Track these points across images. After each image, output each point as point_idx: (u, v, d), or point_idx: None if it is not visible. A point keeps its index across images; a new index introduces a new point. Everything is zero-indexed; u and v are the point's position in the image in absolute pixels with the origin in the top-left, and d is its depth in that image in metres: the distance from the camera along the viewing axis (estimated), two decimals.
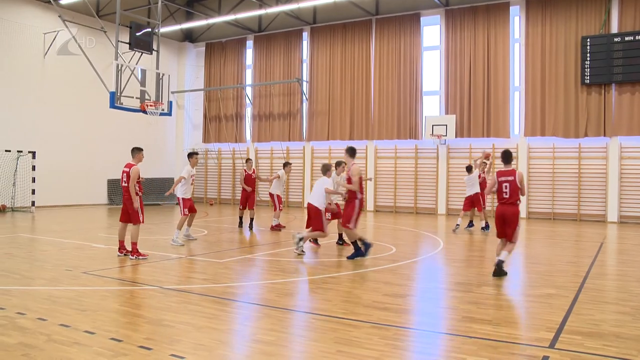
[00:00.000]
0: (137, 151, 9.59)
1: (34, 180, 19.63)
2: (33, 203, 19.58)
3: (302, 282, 7.90)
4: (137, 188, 9.36)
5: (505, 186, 8.20)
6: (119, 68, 17.03)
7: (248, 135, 25.95)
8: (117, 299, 6.61)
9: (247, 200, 14.56)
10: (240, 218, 14.92)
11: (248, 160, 15.19)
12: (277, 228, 14.30)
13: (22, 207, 19.97)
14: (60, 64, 21.78)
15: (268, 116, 25.13)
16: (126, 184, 9.34)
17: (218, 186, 26.86)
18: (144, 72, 18.60)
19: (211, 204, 25.51)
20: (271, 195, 14.48)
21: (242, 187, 14.54)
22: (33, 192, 19.62)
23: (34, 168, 19.69)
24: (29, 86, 21.09)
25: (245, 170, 14.83)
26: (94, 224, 15.86)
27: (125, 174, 9.39)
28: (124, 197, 9.39)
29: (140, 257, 9.28)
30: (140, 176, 9.49)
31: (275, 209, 14.38)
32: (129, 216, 9.38)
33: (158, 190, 24.83)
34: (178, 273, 8.40)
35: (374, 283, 7.65)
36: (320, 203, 9.93)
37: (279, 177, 14.42)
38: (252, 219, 14.59)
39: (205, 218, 18.20)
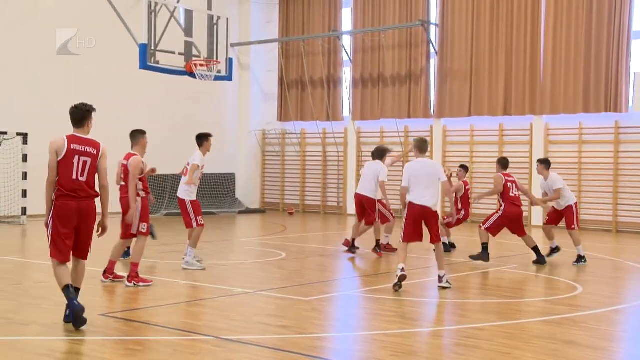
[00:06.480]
0: (139, 135, 11.19)
1: (25, 176, 19.37)
2: (24, 211, 19.29)
3: (431, 334, 8.14)
4: (141, 186, 10.44)
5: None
6: (152, 8, 17.15)
7: (346, 110, 26.00)
8: (154, 355, 6.62)
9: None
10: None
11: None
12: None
13: (7, 216, 19.83)
14: (65, 2, 21.49)
15: (377, 80, 24.97)
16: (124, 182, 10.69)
17: (301, 187, 27.08)
18: (189, 14, 18.66)
19: (291, 214, 25.52)
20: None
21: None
22: (24, 194, 19.36)
23: (25, 158, 19.55)
24: (18, 33, 20.53)
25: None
26: (110, 240, 15.84)
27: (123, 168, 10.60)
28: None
29: (142, 284, 10.22)
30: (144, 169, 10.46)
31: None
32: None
33: (216, 192, 25.06)
34: (242, 316, 8.58)
35: (541, 341, 7.52)
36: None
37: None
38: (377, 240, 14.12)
39: (283, 234, 18.43)
